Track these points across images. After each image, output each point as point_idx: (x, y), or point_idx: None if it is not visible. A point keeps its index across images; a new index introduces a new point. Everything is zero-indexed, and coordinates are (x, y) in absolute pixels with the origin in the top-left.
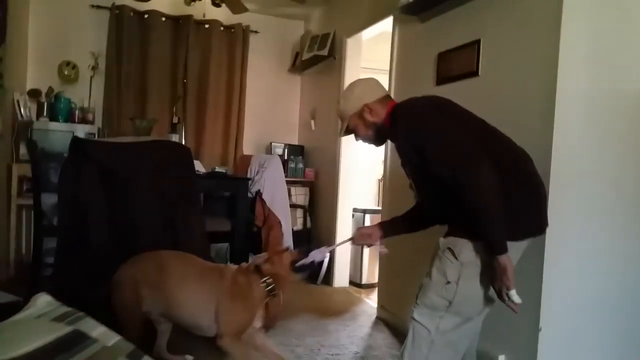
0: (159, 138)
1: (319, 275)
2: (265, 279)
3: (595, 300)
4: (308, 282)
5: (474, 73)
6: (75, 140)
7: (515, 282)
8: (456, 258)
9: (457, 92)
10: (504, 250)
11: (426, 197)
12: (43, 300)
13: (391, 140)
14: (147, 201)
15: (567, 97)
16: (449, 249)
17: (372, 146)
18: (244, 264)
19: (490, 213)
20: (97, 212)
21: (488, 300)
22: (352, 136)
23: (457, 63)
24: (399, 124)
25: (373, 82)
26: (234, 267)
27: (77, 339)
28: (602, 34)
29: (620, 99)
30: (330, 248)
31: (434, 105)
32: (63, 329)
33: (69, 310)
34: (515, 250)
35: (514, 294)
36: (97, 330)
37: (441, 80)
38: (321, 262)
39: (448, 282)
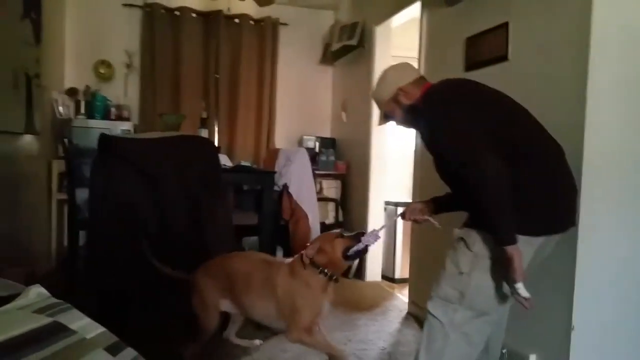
0: (185, 133)
1: (350, 269)
2: (320, 269)
3: (630, 298)
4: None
5: (504, 57)
6: (102, 137)
7: (531, 277)
8: (470, 249)
9: (486, 78)
10: (511, 241)
11: (448, 183)
12: (34, 292)
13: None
14: (173, 195)
15: (600, 81)
16: (463, 239)
17: (412, 131)
18: (296, 257)
19: (495, 205)
20: (124, 207)
21: (502, 295)
22: (383, 127)
23: (486, 47)
24: (423, 110)
25: (405, 66)
26: (287, 261)
27: (54, 331)
28: (637, 14)
29: None
30: (381, 229)
31: (460, 93)
32: (41, 320)
33: (55, 302)
34: (527, 244)
35: (520, 287)
36: (79, 322)
37: (470, 65)
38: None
39: (461, 273)
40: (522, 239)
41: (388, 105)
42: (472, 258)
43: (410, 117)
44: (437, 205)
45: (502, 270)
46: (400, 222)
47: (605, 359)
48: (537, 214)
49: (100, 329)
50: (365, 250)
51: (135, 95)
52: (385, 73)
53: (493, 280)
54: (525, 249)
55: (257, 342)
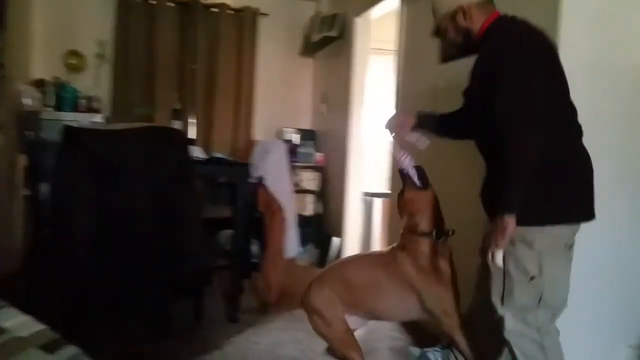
0: (155, 124)
1: (326, 259)
2: (423, 231)
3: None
4: (316, 267)
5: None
6: (67, 128)
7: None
8: (531, 248)
9: (460, 69)
10: (515, 211)
11: (479, 133)
12: None
13: (472, 54)
14: (141, 188)
15: (569, 68)
16: (522, 240)
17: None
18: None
19: (521, 171)
20: (85, 200)
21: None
22: (360, 121)
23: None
24: (495, 39)
25: None
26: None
27: None
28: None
29: (627, 70)
30: (400, 153)
31: (541, 41)
32: None
33: None
34: (571, 231)
35: (500, 255)
36: (13, 320)
37: (445, 57)
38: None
39: (532, 278)
40: (557, 230)
41: (443, 20)
42: (538, 257)
43: (463, 42)
44: (421, 120)
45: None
46: (376, 211)
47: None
48: (575, 200)
49: (38, 327)
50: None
51: (107, 87)
52: None
53: (563, 271)
54: (557, 241)
55: None
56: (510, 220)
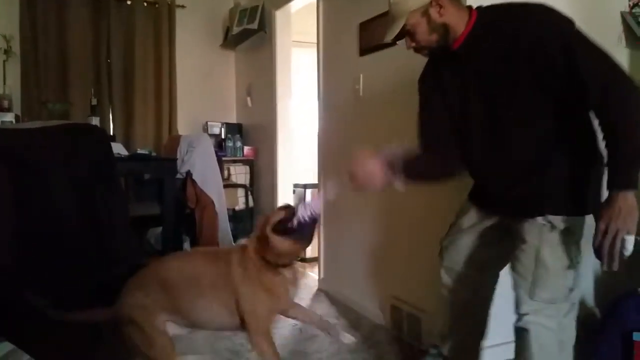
0: (71, 122)
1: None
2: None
3: None
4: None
5: (393, 42)
6: None
7: None
8: (571, 237)
9: (379, 62)
10: (635, 186)
11: (503, 139)
12: None
13: (463, 51)
14: (61, 188)
15: None
16: (563, 228)
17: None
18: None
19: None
20: (2, 203)
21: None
22: (287, 110)
23: (377, 32)
24: (523, 18)
25: None
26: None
27: None
28: None
29: None
30: (321, 194)
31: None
32: None
33: None
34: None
35: (631, 240)
36: None
37: (364, 50)
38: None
39: (569, 267)
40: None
41: (412, 16)
42: (576, 247)
43: (440, 40)
44: (389, 166)
45: (615, 221)
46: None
47: None
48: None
49: None
50: (311, 222)
51: (16, 84)
52: None
53: (588, 261)
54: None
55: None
56: (634, 199)
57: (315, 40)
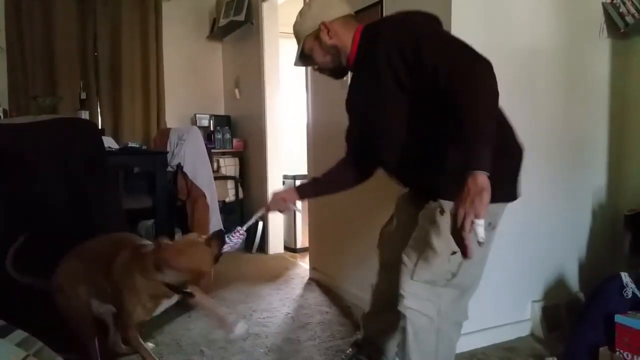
0: (62, 116)
1: (253, 244)
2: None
3: None
4: (243, 252)
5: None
6: None
7: None
8: None
9: None
10: (487, 167)
11: (392, 142)
12: None
13: (354, 69)
14: (54, 183)
15: None
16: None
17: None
18: (161, 241)
19: (489, 115)
20: None
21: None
22: (276, 102)
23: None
24: (382, 33)
25: None
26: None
27: None
28: None
29: (512, 51)
30: (245, 226)
31: (427, 17)
32: None
33: None
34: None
35: (481, 225)
36: None
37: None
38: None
39: (454, 253)
40: (502, 207)
41: (307, 41)
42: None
43: (333, 60)
44: (302, 191)
45: (465, 203)
46: None
47: None
48: (516, 178)
49: None
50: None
51: (3, 78)
52: (310, 3)
53: (483, 251)
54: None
55: (150, 345)
56: (484, 178)
57: None
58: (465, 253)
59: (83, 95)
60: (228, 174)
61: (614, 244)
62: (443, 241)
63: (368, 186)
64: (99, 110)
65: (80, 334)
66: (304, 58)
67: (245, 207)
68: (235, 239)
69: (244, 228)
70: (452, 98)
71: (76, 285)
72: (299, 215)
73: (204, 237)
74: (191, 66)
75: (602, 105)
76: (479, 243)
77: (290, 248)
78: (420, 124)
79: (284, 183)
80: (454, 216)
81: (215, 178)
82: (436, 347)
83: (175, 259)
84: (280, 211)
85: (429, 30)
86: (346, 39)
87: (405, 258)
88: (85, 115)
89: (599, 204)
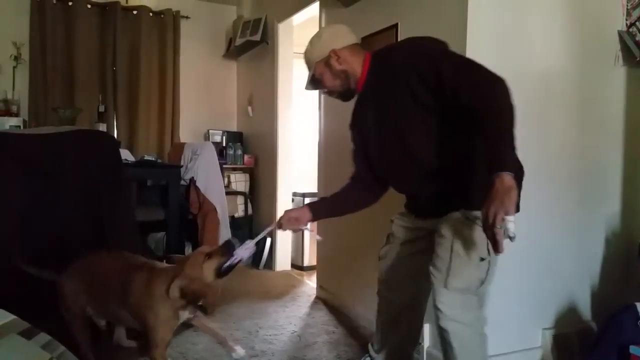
0: (82, 127)
1: (261, 260)
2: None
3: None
4: (250, 268)
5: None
6: None
7: None
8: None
9: None
10: (513, 168)
11: (413, 158)
12: None
13: (364, 92)
14: (71, 192)
15: None
16: (477, 220)
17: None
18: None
19: (512, 123)
20: (13, 207)
21: None
22: (288, 120)
23: (378, 47)
24: (397, 57)
25: (343, 28)
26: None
27: None
28: (506, 16)
29: (526, 77)
30: (255, 240)
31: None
32: None
33: None
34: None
35: (511, 221)
36: None
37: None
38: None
39: (482, 259)
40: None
41: (318, 67)
42: (485, 239)
43: (343, 84)
44: (315, 211)
45: (495, 203)
46: None
47: None
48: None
49: (11, 316)
50: (237, 263)
51: (24, 90)
52: (320, 32)
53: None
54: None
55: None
56: (511, 179)
57: None
58: (496, 248)
59: (101, 108)
60: (238, 190)
61: (627, 273)
62: (470, 248)
63: (378, 207)
64: (115, 123)
65: (74, 333)
66: (314, 82)
67: (254, 223)
68: (244, 252)
69: (254, 242)
70: (474, 116)
71: (78, 295)
72: (307, 234)
73: (213, 248)
74: (206, 83)
75: (616, 133)
76: (510, 238)
77: (298, 266)
78: (441, 140)
79: (293, 200)
80: (485, 215)
81: (226, 193)
82: (482, 353)
83: (187, 270)
84: (293, 231)
85: (443, 52)
86: (355, 64)
87: (432, 269)
88: (102, 127)
89: (613, 232)
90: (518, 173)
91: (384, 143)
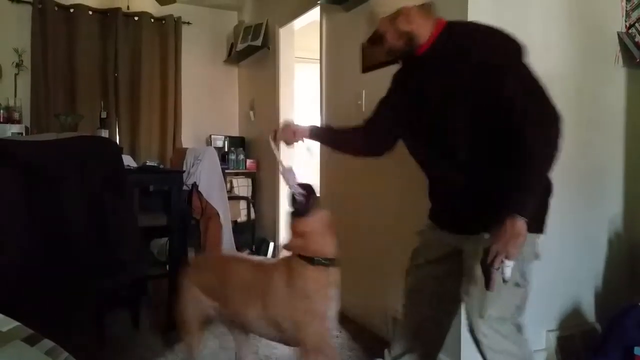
0: (84, 134)
1: None
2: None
3: None
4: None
5: (395, 60)
6: None
7: None
8: (519, 255)
9: (381, 79)
10: (528, 215)
11: (449, 140)
12: None
13: (423, 59)
14: (74, 199)
15: None
16: None
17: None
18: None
19: (547, 170)
20: (16, 214)
21: None
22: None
23: (379, 51)
24: (477, 40)
25: None
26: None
27: None
28: (506, 18)
29: None
30: (283, 167)
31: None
32: None
33: None
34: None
35: (509, 266)
36: None
37: (366, 68)
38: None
39: (517, 285)
40: (538, 239)
41: (382, 23)
42: (523, 264)
43: (405, 46)
44: (314, 132)
45: (500, 244)
46: None
47: None
48: (547, 209)
49: (15, 323)
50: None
51: (26, 96)
52: None
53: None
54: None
55: None
56: (523, 224)
57: (318, 57)
58: (487, 286)
59: (103, 115)
60: (241, 194)
61: (631, 274)
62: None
63: (377, 208)
64: (117, 129)
65: (185, 330)
66: (373, 40)
67: (256, 228)
68: (291, 179)
69: (286, 167)
70: (519, 137)
71: (199, 301)
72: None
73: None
74: (208, 88)
75: (617, 134)
76: (504, 281)
77: None
78: (480, 139)
79: None
80: (487, 250)
81: (228, 198)
82: None
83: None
84: (287, 143)
85: (520, 59)
86: (423, 27)
87: (465, 297)
88: (105, 133)
89: (616, 233)
90: (547, 197)
91: (422, 119)
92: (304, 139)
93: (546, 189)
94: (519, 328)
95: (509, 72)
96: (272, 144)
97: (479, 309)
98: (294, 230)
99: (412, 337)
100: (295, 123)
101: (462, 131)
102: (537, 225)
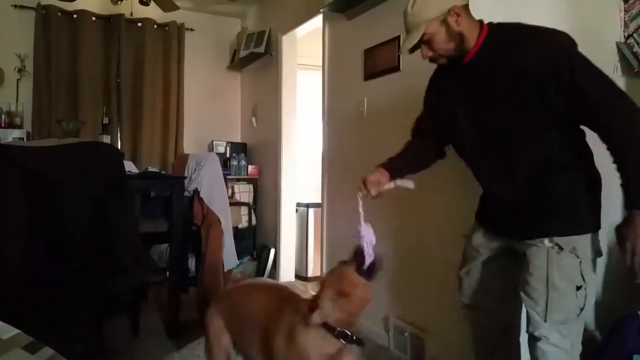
0: (86, 139)
1: (264, 271)
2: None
3: None
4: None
5: (396, 68)
6: None
7: None
8: (576, 256)
9: (382, 87)
10: None
11: (506, 146)
12: None
13: (471, 63)
14: (75, 204)
15: None
16: (569, 249)
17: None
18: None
19: None
20: (17, 217)
21: None
22: (292, 131)
23: (381, 59)
24: (531, 41)
25: None
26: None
27: None
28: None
29: None
30: (364, 223)
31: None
32: None
33: None
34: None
35: None
36: None
37: (368, 75)
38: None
39: (579, 287)
40: (596, 237)
41: (431, 25)
42: (579, 265)
43: (456, 49)
44: (392, 170)
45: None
46: (310, 221)
47: None
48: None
49: (15, 331)
50: (376, 261)
51: (28, 101)
52: None
53: (595, 279)
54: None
55: None
56: None
57: (320, 64)
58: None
59: (105, 120)
60: (242, 200)
61: (631, 282)
62: (567, 279)
63: (382, 216)
64: (119, 134)
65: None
66: (418, 44)
67: (257, 234)
68: (367, 236)
69: (365, 223)
70: (608, 136)
71: (220, 334)
72: (311, 241)
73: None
74: (210, 94)
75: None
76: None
77: (302, 276)
78: (540, 143)
79: (297, 211)
80: (631, 252)
81: (230, 204)
82: None
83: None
84: (380, 195)
85: (580, 55)
86: (472, 29)
87: (528, 300)
88: (106, 139)
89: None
90: (596, 194)
91: (475, 125)
92: (391, 182)
93: (597, 183)
94: (580, 328)
95: (577, 74)
96: (361, 203)
97: (544, 315)
98: (337, 285)
99: (488, 352)
100: (369, 175)
101: (531, 135)
102: (592, 222)
